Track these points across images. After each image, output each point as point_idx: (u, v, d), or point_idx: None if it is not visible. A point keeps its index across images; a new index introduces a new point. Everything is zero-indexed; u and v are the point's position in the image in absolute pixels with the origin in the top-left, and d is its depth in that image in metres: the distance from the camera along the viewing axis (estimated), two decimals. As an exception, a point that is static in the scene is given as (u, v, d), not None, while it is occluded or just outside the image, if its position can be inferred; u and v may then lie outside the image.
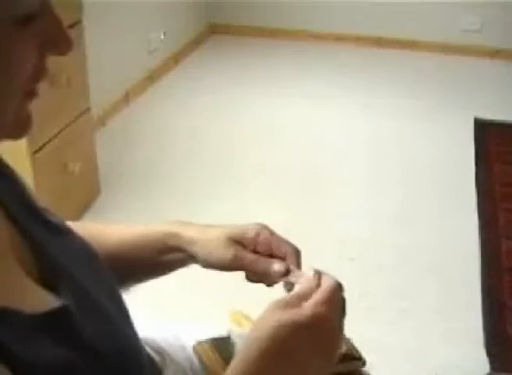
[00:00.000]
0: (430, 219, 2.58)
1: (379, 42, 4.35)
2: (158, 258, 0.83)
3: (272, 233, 0.78)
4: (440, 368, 1.88)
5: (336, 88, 3.78)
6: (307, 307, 0.64)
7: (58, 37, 0.54)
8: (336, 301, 0.67)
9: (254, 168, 2.93)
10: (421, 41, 4.28)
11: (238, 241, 0.78)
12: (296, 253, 0.77)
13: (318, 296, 0.65)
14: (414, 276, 2.26)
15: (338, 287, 0.68)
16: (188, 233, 0.81)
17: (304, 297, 0.65)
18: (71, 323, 0.57)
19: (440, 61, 4.17)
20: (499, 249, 2.38)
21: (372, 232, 2.50)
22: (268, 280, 0.77)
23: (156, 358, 0.86)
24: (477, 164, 2.95)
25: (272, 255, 0.78)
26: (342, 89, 3.77)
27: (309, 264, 0.73)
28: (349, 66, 4.12)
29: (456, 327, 2.02)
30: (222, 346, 0.92)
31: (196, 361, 0.91)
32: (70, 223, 0.75)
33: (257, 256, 0.77)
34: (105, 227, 0.87)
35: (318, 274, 0.69)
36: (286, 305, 0.64)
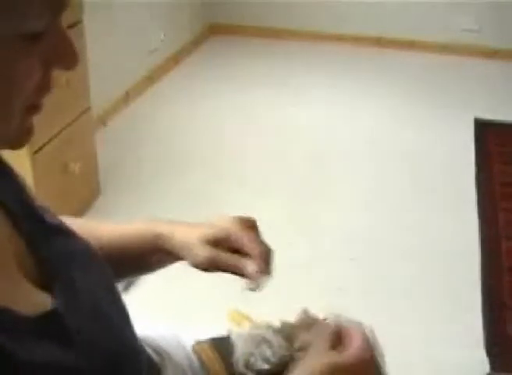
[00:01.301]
0: (430, 219, 2.58)
1: (379, 42, 4.35)
2: (144, 259, 0.84)
3: (243, 230, 0.78)
4: (440, 368, 1.88)
5: (335, 88, 3.78)
6: (351, 353, 0.70)
7: (65, 53, 0.54)
8: (372, 348, 0.74)
9: (254, 168, 2.93)
10: (420, 41, 4.28)
11: (214, 241, 0.78)
12: (266, 255, 0.77)
13: (358, 341, 0.72)
14: (415, 277, 2.26)
15: (367, 337, 0.75)
16: (173, 236, 0.81)
17: (333, 341, 0.72)
18: (65, 324, 0.57)
19: (440, 61, 4.17)
20: (499, 249, 2.38)
21: (373, 232, 2.50)
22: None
23: (155, 357, 0.86)
24: (477, 164, 2.95)
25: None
26: (342, 89, 3.77)
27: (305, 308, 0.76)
28: (349, 65, 4.12)
29: (456, 327, 2.02)
30: (222, 346, 0.92)
31: (195, 361, 0.91)
32: (62, 218, 0.75)
33: (232, 259, 0.77)
34: (96, 225, 0.88)
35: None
36: (326, 347, 0.71)
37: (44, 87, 0.54)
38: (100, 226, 0.87)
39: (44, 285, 0.60)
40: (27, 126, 0.56)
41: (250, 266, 0.76)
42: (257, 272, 0.75)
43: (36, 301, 0.58)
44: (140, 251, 0.84)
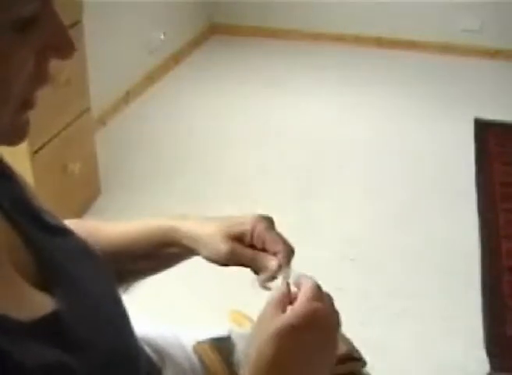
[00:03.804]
0: (430, 220, 2.58)
1: (379, 42, 4.35)
2: (156, 253, 0.83)
3: (267, 227, 0.77)
4: (440, 368, 1.88)
5: (336, 88, 3.78)
6: (298, 307, 0.64)
7: (60, 42, 0.52)
8: (322, 298, 0.66)
9: (254, 168, 2.93)
10: (421, 41, 4.28)
11: (235, 236, 0.78)
12: (288, 252, 0.76)
13: (302, 296, 0.65)
14: (414, 277, 2.26)
15: (318, 286, 0.68)
16: (185, 227, 0.80)
17: (282, 301, 0.66)
18: (64, 326, 0.57)
19: (440, 61, 4.17)
20: (499, 249, 2.38)
21: (372, 232, 2.50)
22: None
23: (155, 358, 0.85)
24: (477, 164, 2.94)
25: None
26: (342, 89, 3.77)
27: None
28: (349, 66, 4.12)
29: (456, 327, 2.02)
30: (222, 346, 0.92)
31: (196, 361, 0.91)
32: (67, 222, 0.75)
33: (254, 253, 0.77)
34: (103, 224, 0.87)
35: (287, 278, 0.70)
36: (274, 313, 0.64)
37: (40, 78, 0.53)
38: (107, 226, 0.87)
39: (44, 286, 0.60)
40: (22, 122, 0.54)
41: (272, 260, 0.75)
42: (278, 266, 0.75)
43: (35, 302, 0.57)
44: (149, 245, 0.83)
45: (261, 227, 0.77)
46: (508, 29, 4.13)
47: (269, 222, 0.79)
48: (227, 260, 0.78)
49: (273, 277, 0.75)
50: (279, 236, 0.77)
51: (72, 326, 0.58)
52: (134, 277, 0.87)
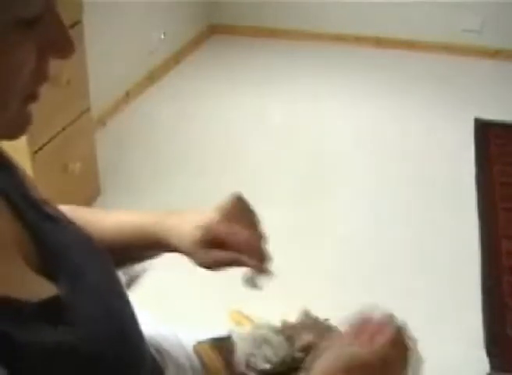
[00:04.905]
0: (430, 220, 2.58)
1: (379, 42, 4.35)
2: (145, 252, 0.87)
3: (223, 225, 0.77)
4: (440, 368, 1.88)
5: (335, 88, 3.78)
6: (377, 348, 0.68)
7: (60, 41, 0.53)
8: (400, 344, 0.70)
9: (254, 168, 2.93)
10: (421, 41, 4.28)
11: (208, 243, 0.78)
12: (255, 244, 0.77)
13: (384, 338, 0.69)
14: (414, 276, 2.26)
15: (401, 331, 0.72)
16: (175, 240, 0.81)
17: (361, 333, 0.70)
18: (67, 310, 0.58)
19: (440, 61, 4.17)
20: (499, 249, 2.38)
21: (372, 232, 2.50)
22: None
23: (158, 358, 0.86)
24: (477, 164, 2.95)
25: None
26: (342, 89, 3.77)
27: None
28: (349, 66, 4.12)
29: (457, 327, 2.02)
30: (223, 346, 0.92)
31: (196, 361, 0.91)
32: (63, 207, 0.76)
33: (230, 256, 0.77)
34: (102, 217, 0.88)
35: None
36: (349, 342, 0.69)
37: (41, 76, 0.54)
38: (106, 218, 0.88)
39: (47, 273, 0.61)
40: (26, 115, 0.56)
41: (250, 260, 0.76)
42: (257, 264, 0.75)
43: (39, 287, 0.59)
44: (139, 249, 0.86)
45: (220, 229, 0.77)
46: (508, 29, 4.13)
47: (230, 211, 0.80)
48: (211, 267, 0.79)
49: (256, 275, 0.75)
50: (238, 232, 0.77)
51: (75, 311, 0.59)
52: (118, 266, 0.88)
